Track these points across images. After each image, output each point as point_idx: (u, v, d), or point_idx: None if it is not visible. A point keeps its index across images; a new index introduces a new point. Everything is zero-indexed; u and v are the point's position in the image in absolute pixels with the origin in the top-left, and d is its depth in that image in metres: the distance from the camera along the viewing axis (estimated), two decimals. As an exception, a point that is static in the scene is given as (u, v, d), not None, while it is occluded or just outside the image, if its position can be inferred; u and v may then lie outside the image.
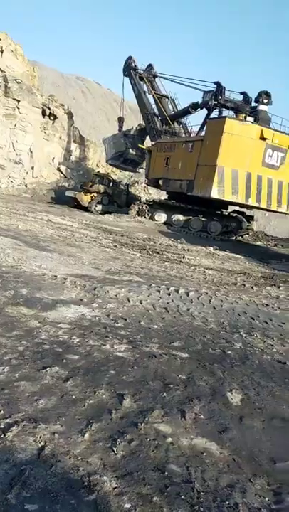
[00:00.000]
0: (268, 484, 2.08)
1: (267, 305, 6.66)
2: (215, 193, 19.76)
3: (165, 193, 25.38)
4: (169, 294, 6.10)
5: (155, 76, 27.29)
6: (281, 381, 3.50)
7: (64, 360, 3.18)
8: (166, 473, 2.03)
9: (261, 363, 3.85)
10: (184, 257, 11.20)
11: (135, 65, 27.56)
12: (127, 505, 1.78)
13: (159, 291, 6.15)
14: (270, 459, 2.32)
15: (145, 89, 27.08)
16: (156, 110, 26.30)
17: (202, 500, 1.88)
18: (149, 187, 31.83)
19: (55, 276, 5.92)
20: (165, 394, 2.88)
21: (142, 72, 27.23)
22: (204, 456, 2.23)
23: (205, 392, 3.03)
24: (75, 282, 5.75)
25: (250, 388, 3.24)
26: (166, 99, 26.80)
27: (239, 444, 2.42)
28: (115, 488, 1.88)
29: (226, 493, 1.96)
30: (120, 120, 29.97)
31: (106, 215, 21.95)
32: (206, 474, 2.07)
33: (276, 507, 1.92)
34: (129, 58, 27.96)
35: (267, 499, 1.97)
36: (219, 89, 21.31)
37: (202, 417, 2.65)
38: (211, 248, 15.57)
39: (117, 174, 36.08)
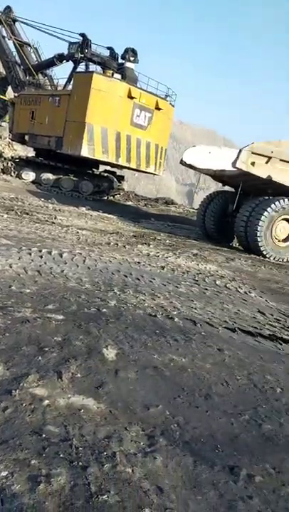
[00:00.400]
0: (142, 430, 2.22)
1: (139, 263, 6.93)
2: (85, 152, 19.46)
3: (32, 149, 24.08)
4: (42, 257, 5.92)
5: (15, 20, 25.01)
6: (152, 333, 3.72)
7: None
8: (44, 435, 2.01)
9: (134, 318, 4.03)
10: (55, 218, 10.92)
11: (-9, 6, 24.80)
12: (3, 473, 1.73)
13: (30, 254, 5.91)
14: (143, 406, 2.47)
15: (4, 33, 24.71)
16: (17, 58, 24.31)
17: (81, 455, 1.92)
18: (14, 142, 29.80)
19: None
20: (40, 358, 2.83)
21: (-1, 14, 24.69)
22: (81, 413, 2.27)
23: (81, 351, 3.06)
24: None
25: (125, 342, 3.37)
26: (29, 48, 24.93)
27: (115, 396, 2.51)
28: (-10, 459, 1.80)
29: (103, 444, 2.03)
30: (-22, 67, 27.02)
31: None
32: (83, 430, 2.11)
33: (150, 449, 2.06)
34: (-15, -4, 25.00)
35: (142, 443, 2.10)
36: (85, 41, 20.55)
37: (79, 375, 2.68)
38: (84, 208, 15.46)
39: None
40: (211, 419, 2.46)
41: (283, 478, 2.02)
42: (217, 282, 6.55)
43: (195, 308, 4.79)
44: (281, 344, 4.09)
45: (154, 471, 1.90)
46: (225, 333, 4.12)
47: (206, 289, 5.91)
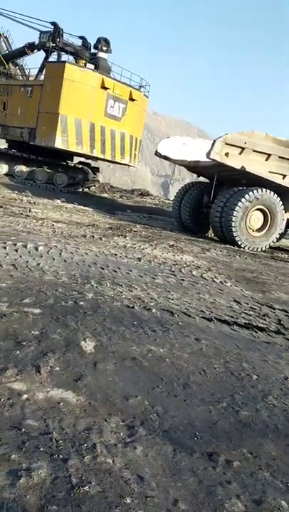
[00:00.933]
0: (122, 421, 2.24)
1: (115, 254, 6.92)
2: (59, 143, 19.21)
3: (5, 141, 23.56)
4: (17, 250, 5.84)
5: (-17, 7, 24.22)
6: (130, 324, 3.73)
7: None
8: (24, 430, 2.01)
9: (112, 310, 4.03)
10: (30, 211, 10.77)
11: None
12: (-16, 470, 1.72)
13: (5, 248, 5.82)
14: (123, 397, 2.48)
15: (-28, 21, 23.98)
16: (-13, 47, 23.65)
17: (61, 448, 1.92)
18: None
19: None
20: (18, 352, 2.81)
21: None
22: (61, 406, 2.27)
23: (59, 344, 3.05)
24: None
25: (103, 335, 3.38)
26: (-1, 37, 24.25)
27: (94, 388, 2.52)
28: None
29: (83, 436, 2.04)
30: None
31: None
32: (63, 423, 2.12)
33: (130, 439, 2.08)
34: None
35: (122, 434, 2.12)
36: (56, 30, 20.15)
37: (57, 369, 2.68)
38: (59, 201, 15.29)
39: None
40: (190, 407, 2.51)
41: (260, 463, 2.08)
42: (193, 273, 6.62)
43: (172, 299, 4.83)
44: (256, 332, 4.17)
45: (134, 461, 1.92)
46: (202, 322, 4.18)
47: (183, 280, 5.96)
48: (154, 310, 4.26)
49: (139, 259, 6.90)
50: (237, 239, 11.61)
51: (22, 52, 22.80)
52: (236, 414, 2.52)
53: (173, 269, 6.60)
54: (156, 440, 2.12)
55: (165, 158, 14.00)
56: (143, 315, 4.06)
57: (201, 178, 14.89)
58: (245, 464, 2.05)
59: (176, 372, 2.94)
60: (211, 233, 13.62)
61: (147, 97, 22.80)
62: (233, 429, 2.35)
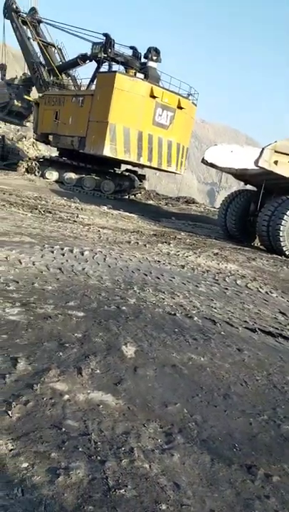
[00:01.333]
0: (160, 427, 2.24)
1: (159, 261, 6.94)
2: (107, 151, 19.57)
3: (56, 149, 24.36)
4: (64, 255, 6.00)
5: (40, 21, 25.32)
6: (171, 331, 3.73)
7: None
8: (64, 429, 2.06)
9: (154, 316, 4.04)
10: (77, 217, 11.04)
11: (17, 7, 25.21)
12: (24, 465, 1.78)
13: (52, 252, 6.01)
14: (162, 404, 2.48)
15: (29, 35, 25.07)
16: (42, 59, 24.63)
17: (99, 449, 1.95)
18: (38, 142, 30.25)
19: None
20: (61, 353, 2.88)
21: (24, 15, 25.05)
22: (100, 409, 2.30)
23: (101, 347, 3.10)
24: None
25: (144, 340, 3.40)
26: (53, 48, 25.19)
27: (133, 393, 2.54)
28: (11, 450, 1.85)
29: (121, 440, 2.06)
30: (2, 68, 27.52)
31: (-8, 172, 20.43)
32: (102, 425, 2.15)
33: (167, 446, 2.08)
34: (9, -2, 25.43)
35: (159, 440, 2.12)
36: (108, 41, 20.63)
37: (98, 371, 2.72)
38: (105, 207, 15.57)
39: (2, 128, 33.52)
40: (229, 418, 2.46)
41: (302, 480, 2.01)
42: (238, 282, 6.51)
43: (215, 308, 4.77)
44: (302, 345, 4.03)
45: (171, 468, 1.92)
46: (245, 333, 4.10)
47: (227, 289, 5.88)
48: (195, 318, 4.23)
49: (183, 267, 6.88)
50: (284, 248, 11.30)
51: (75, 63, 23.53)
52: (278, 428, 2.44)
53: (217, 278, 6.52)
54: (194, 449, 2.10)
55: (212, 165, 13.90)
56: (184, 322, 4.05)
57: (249, 186, 14.65)
58: (286, 479, 1.98)
59: (216, 382, 2.90)
60: (257, 242, 13.34)
61: (196, 105, 22.80)
62: (273, 443, 2.28)
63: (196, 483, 1.85)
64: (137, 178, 22.21)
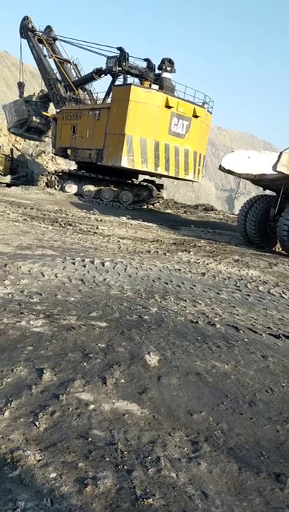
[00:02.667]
0: (186, 435, 2.23)
1: (179, 270, 6.94)
2: (125, 163, 19.78)
3: (74, 162, 24.74)
4: (85, 266, 6.07)
5: (55, 39, 25.96)
6: (194, 339, 3.72)
7: (-23, 342, 3.03)
8: (90, 439, 2.07)
9: (176, 325, 4.04)
10: (97, 228, 11.15)
11: (32, 26, 25.91)
12: (53, 475, 1.80)
13: (74, 264, 6.08)
14: (187, 412, 2.48)
15: (45, 52, 25.71)
16: (58, 75, 25.19)
17: (126, 459, 1.96)
18: (57, 157, 30.79)
19: None
20: (85, 363, 2.91)
21: (40, 34, 25.72)
22: (126, 418, 2.31)
23: (124, 357, 3.12)
24: (-17, 260, 5.45)
25: (167, 349, 3.40)
26: (69, 64, 25.75)
27: (158, 402, 2.54)
28: (39, 460, 1.88)
29: (148, 449, 2.06)
30: (21, 85, 28.23)
31: (13, 187, 20.88)
32: (128, 434, 2.15)
33: (194, 455, 2.07)
34: (26, 18, 26.18)
35: (186, 449, 2.11)
36: (123, 54, 20.97)
37: (122, 381, 2.73)
38: (124, 218, 15.68)
39: (22, 144, 34.27)
40: (256, 426, 2.44)
41: None
42: (260, 288, 6.44)
43: (237, 315, 4.74)
44: None
45: (198, 477, 1.91)
46: (269, 339, 4.05)
47: (249, 295, 5.82)
48: (218, 325, 4.20)
49: (203, 274, 6.85)
50: (307, 253, 11.13)
51: (90, 77, 23.99)
52: (306, 435, 2.40)
53: (238, 284, 6.47)
54: (220, 457, 2.08)
55: (229, 172, 13.86)
56: (207, 330, 4.03)
57: (268, 191, 14.52)
58: (316, 488, 1.95)
59: (241, 390, 2.88)
60: (278, 247, 13.18)
61: (211, 112, 22.86)
62: (302, 452, 2.24)
63: (224, 492, 1.83)
64: (154, 188, 22.31)
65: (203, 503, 1.73)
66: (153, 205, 23.14)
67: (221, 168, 13.56)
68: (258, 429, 2.41)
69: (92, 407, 2.38)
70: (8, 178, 24.63)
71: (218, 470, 1.98)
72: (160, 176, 22.55)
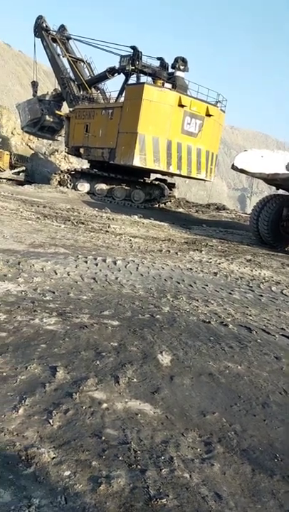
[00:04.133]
0: (199, 436, 2.22)
1: (191, 269, 6.92)
2: (137, 161, 19.77)
3: (87, 161, 24.82)
4: (97, 264, 6.09)
5: (68, 38, 26.03)
6: (207, 339, 3.71)
7: (-9, 339, 3.06)
8: (103, 438, 2.08)
9: (188, 324, 4.03)
10: (109, 227, 11.17)
11: (47, 26, 26.03)
12: (67, 473, 1.81)
13: (86, 262, 6.11)
14: (200, 413, 2.47)
15: (59, 51, 25.80)
16: (72, 74, 25.26)
17: (139, 458, 1.96)
18: (69, 156, 30.92)
19: (-25, 252, 5.61)
20: (98, 362, 2.92)
21: (54, 33, 25.82)
22: (139, 417, 2.31)
23: (136, 356, 3.12)
24: (-3, 258, 5.50)
25: (179, 349, 3.39)
26: (82, 63, 25.80)
27: (171, 402, 2.54)
28: (53, 458, 1.89)
29: (161, 449, 2.06)
30: (34, 84, 28.39)
31: (26, 185, 21.04)
32: (141, 434, 2.16)
33: (207, 456, 2.06)
34: (40, 18, 26.31)
35: (199, 450, 2.11)
36: (136, 53, 20.95)
37: (135, 380, 2.74)
38: (136, 216, 15.68)
39: (35, 142, 34.49)
40: (269, 428, 2.42)
41: None
42: (273, 288, 6.39)
43: (250, 315, 4.71)
44: None
45: (211, 478, 1.90)
46: (282, 340, 4.02)
47: (261, 296, 5.78)
48: (231, 326, 4.18)
49: (215, 274, 6.82)
50: None
51: (103, 76, 24.01)
52: None
53: (251, 285, 6.43)
54: (234, 459, 2.07)
55: (242, 171, 13.77)
56: (220, 330, 4.01)
57: (281, 191, 14.40)
58: None
59: (254, 391, 2.86)
60: (291, 248, 13.05)
61: (224, 111, 22.73)
62: (317, 455, 2.22)
63: (237, 493, 1.82)
64: (166, 187, 22.26)
65: (216, 505, 1.73)
66: (165, 204, 23.10)
67: (234, 167, 13.48)
68: (272, 431, 2.39)
69: (105, 405, 2.38)
70: (7, 173, 24.97)
71: (232, 471, 1.97)
72: (172, 174, 22.49)
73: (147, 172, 22.19)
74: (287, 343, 3.95)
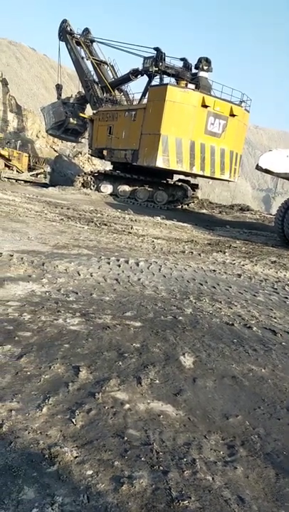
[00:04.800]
0: (222, 439, 2.21)
1: (214, 271, 6.87)
2: (160, 163, 19.77)
3: (110, 163, 24.98)
4: (119, 266, 6.12)
5: (92, 41, 26.29)
6: (230, 342, 3.67)
7: (16, 338, 3.12)
8: (126, 438, 2.09)
9: (211, 326, 4.01)
10: (132, 228, 11.22)
11: (71, 29, 26.36)
12: (89, 472, 1.83)
13: (109, 263, 6.14)
14: (222, 415, 2.45)
15: (83, 54, 26.08)
16: (95, 77, 25.49)
17: (161, 459, 1.96)
18: (93, 158, 31.20)
19: (0, 253, 5.73)
20: (120, 363, 2.93)
21: (78, 36, 26.12)
22: (161, 419, 2.31)
23: (159, 357, 3.12)
24: (22, 258, 5.60)
25: (202, 351, 3.37)
26: (106, 66, 26.00)
27: (193, 404, 2.53)
28: (76, 457, 1.91)
29: (183, 451, 2.05)
30: (58, 87, 28.79)
31: (50, 187, 21.36)
32: (163, 435, 2.15)
33: (230, 459, 2.04)
34: (64, 22, 26.67)
35: (221, 453, 2.09)
36: (159, 54, 20.96)
37: (157, 381, 2.74)
38: (158, 218, 15.68)
39: (59, 145, 34.96)
40: (294, 432, 2.38)
41: None
42: (298, 291, 6.27)
43: (274, 318, 4.64)
44: None
45: (234, 481, 1.88)
46: (307, 344, 3.94)
47: (287, 298, 5.69)
48: (254, 328, 4.13)
49: (239, 276, 6.75)
50: None
51: (127, 78, 24.13)
52: None
53: (275, 287, 6.34)
54: (257, 462, 2.05)
55: (266, 171, 13.59)
56: (243, 333, 3.97)
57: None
58: None
59: (279, 394, 2.81)
60: (317, 249, 12.78)
61: (248, 111, 22.50)
62: None
63: (260, 497, 1.80)
64: (189, 188, 22.17)
65: (239, 508, 1.71)
66: (188, 205, 23.01)
67: (258, 168, 13.32)
68: (296, 435, 2.35)
69: (127, 406, 2.39)
70: (25, 175, 25.39)
71: (255, 475, 1.95)
72: (195, 175, 22.40)
73: (170, 173, 22.17)
74: (312, 347, 3.87)
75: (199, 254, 8.40)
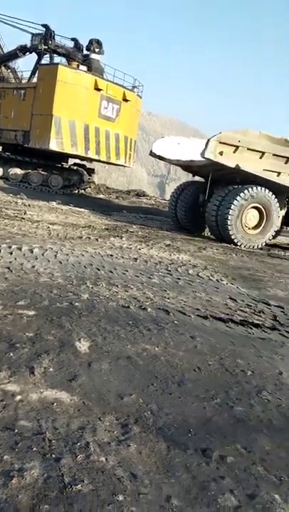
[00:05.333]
0: (116, 419, 2.24)
1: (111, 255, 6.92)
2: (54, 145, 19.21)
3: (-1, 144, 23.54)
4: (11, 253, 5.83)
5: (-25, 11, 24.21)
6: (125, 324, 3.74)
7: None
8: (16, 430, 2.01)
9: (107, 310, 4.03)
10: (25, 213, 10.76)
11: None
12: (-24, 472, 1.72)
13: (-1, 251, 5.82)
14: (117, 396, 2.48)
15: None
16: (-21, 51, 23.63)
17: (54, 447, 1.93)
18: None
19: None
20: (12, 354, 2.81)
21: None
22: (54, 406, 2.27)
23: (53, 345, 3.05)
24: None
25: (98, 335, 3.38)
26: (-10, 40, 24.20)
27: (88, 388, 2.52)
28: None
29: (77, 435, 2.04)
30: None
31: None
32: (56, 423, 2.12)
33: (123, 437, 2.09)
34: None
35: (115, 432, 2.12)
36: (48, 32, 20.16)
37: (51, 369, 2.68)
38: (54, 203, 15.29)
39: None
40: (184, 404, 2.51)
41: (254, 457, 2.08)
42: (190, 272, 6.62)
43: (168, 298, 4.83)
44: (252, 328, 4.18)
45: (127, 459, 1.92)
46: (197, 320, 4.18)
47: (179, 279, 5.96)
48: (149, 309, 4.26)
49: (136, 260, 6.90)
50: (233, 237, 11.62)
51: (14, 55, 22.76)
52: (230, 409, 2.52)
53: (169, 269, 6.60)
54: (150, 437, 2.12)
55: (160, 158, 14.01)
56: (138, 314, 4.07)
57: (197, 178, 14.90)
58: (239, 459, 2.05)
59: (170, 370, 2.94)
60: (207, 232, 13.63)
61: (141, 97, 22.83)
62: (227, 425, 2.35)
63: (152, 471, 1.87)
64: (85, 172, 21.96)
65: (131, 484, 1.75)
66: (84, 190, 22.80)
67: (152, 154, 13.67)
68: (186, 407, 2.48)
69: (18, 397, 2.30)
70: None
71: (148, 450, 2.02)
72: (91, 160, 22.23)
73: (65, 157, 21.69)
74: (201, 323, 4.12)
75: (97, 240, 8.39)
